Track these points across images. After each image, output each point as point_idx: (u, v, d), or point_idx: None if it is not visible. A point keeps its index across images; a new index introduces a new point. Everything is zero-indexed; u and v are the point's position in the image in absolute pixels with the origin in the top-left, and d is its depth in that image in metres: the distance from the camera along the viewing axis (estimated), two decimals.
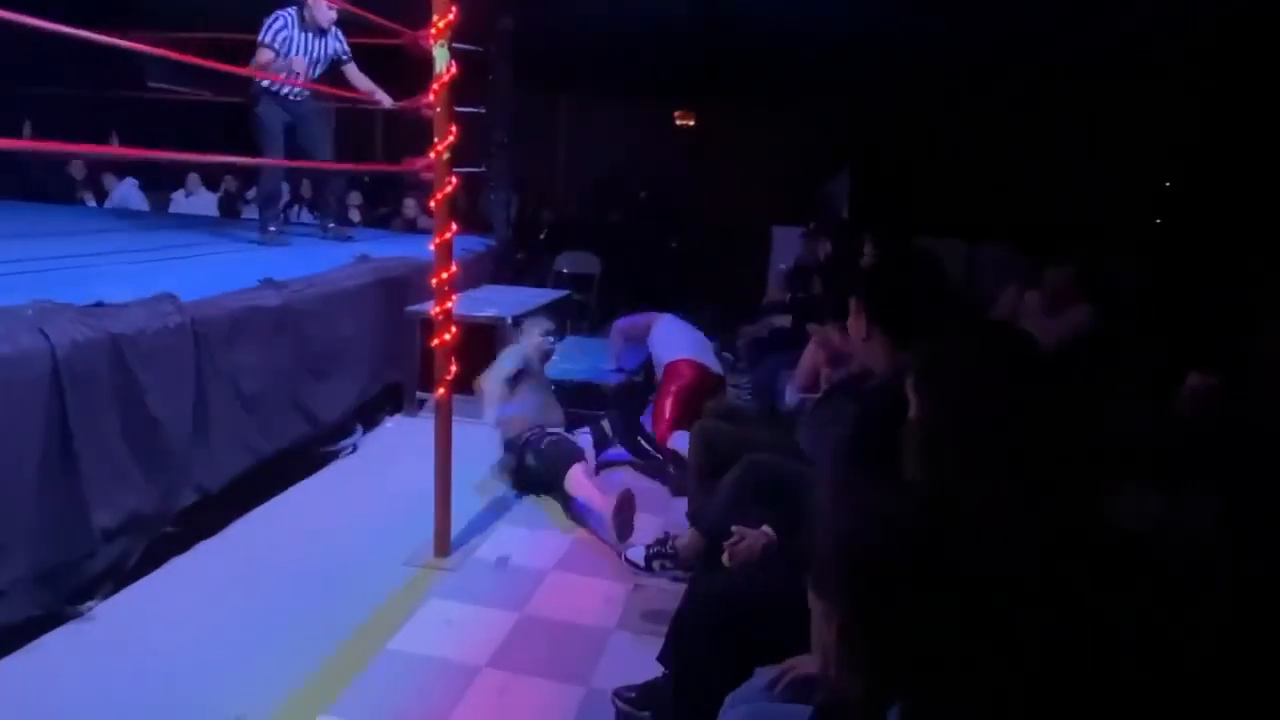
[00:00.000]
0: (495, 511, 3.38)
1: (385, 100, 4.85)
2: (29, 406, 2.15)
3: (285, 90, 4.64)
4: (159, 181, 7.56)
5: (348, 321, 3.75)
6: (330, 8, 4.56)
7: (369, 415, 4.24)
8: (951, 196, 7.16)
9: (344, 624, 2.50)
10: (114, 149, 6.49)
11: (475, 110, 5.32)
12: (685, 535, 2.66)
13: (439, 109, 2.71)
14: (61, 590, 2.34)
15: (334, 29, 4.73)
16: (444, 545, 2.96)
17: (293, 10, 4.62)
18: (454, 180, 2.77)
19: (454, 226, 2.84)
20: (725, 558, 1.94)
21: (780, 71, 7.50)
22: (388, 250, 4.55)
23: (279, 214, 5.26)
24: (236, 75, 4.63)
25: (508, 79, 5.92)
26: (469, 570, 2.89)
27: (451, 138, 2.74)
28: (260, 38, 4.52)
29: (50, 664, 2.23)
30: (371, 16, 3.60)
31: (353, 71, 4.88)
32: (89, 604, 2.45)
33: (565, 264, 6.99)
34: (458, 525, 3.05)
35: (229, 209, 7.64)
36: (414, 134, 4.74)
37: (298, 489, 3.47)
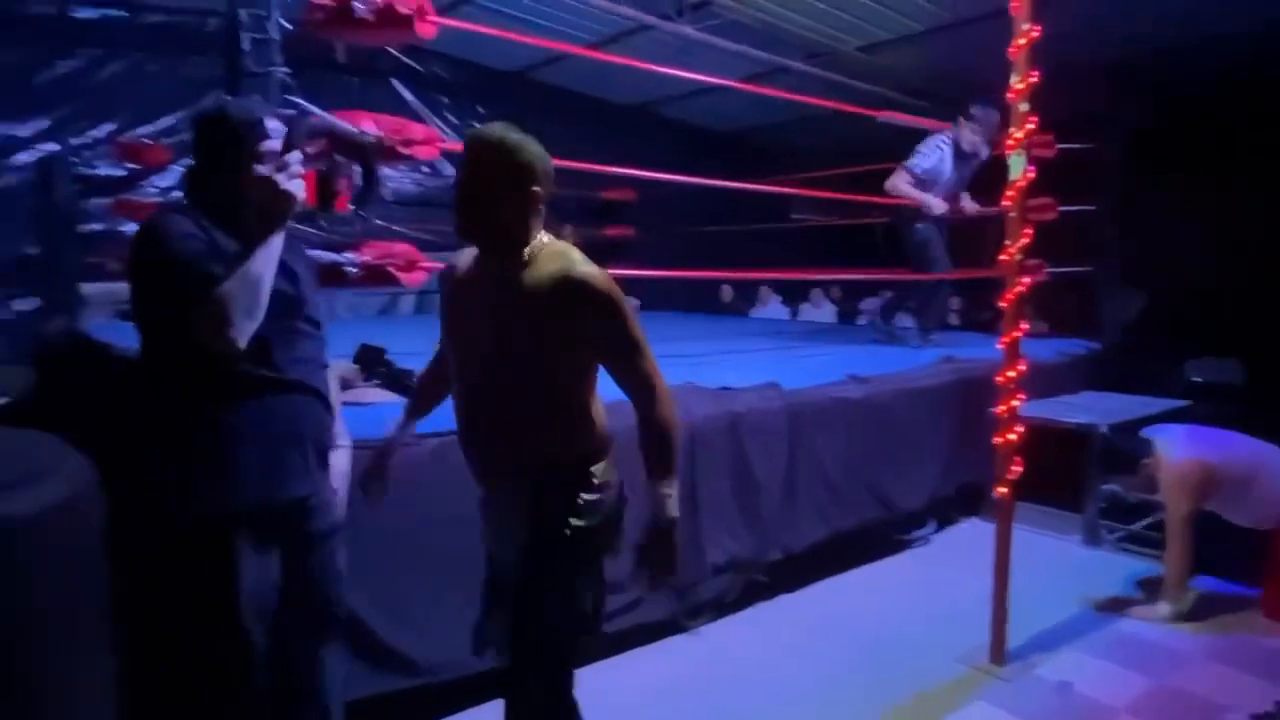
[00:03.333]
0: (1065, 633, 3.13)
1: (971, 208, 4.94)
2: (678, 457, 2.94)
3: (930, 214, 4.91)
4: (799, 295, 9.03)
5: (925, 418, 3.97)
6: (975, 132, 4.76)
7: (944, 512, 4.33)
8: None
9: (891, 701, 2.66)
10: (765, 272, 8.04)
11: (1084, 208, 5.09)
12: None
13: (1013, 214, 2.81)
14: (683, 606, 3.05)
15: (981, 148, 4.87)
16: (999, 652, 2.88)
17: (949, 139, 4.86)
18: (1025, 281, 2.81)
19: (1024, 326, 2.86)
20: None
21: None
22: (976, 352, 4.63)
23: (938, 319, 5.40)
24: (868, 203, 5.21)
25: (1119, 171, 5.51)
26: (1024, 685, 2.75)
27: (1025, 240, 2.80)
28: (909, 163, 4.83)
29: (670, 660, 2.94)
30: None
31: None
32: (698, 622, 3.13)
33: (1198, 371, 5.96)
34: (1020, 636, 2.95)
35: (845, 316, 8.67)
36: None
37: (871, 567, 3.78)
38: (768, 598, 3.37)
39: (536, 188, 1.65)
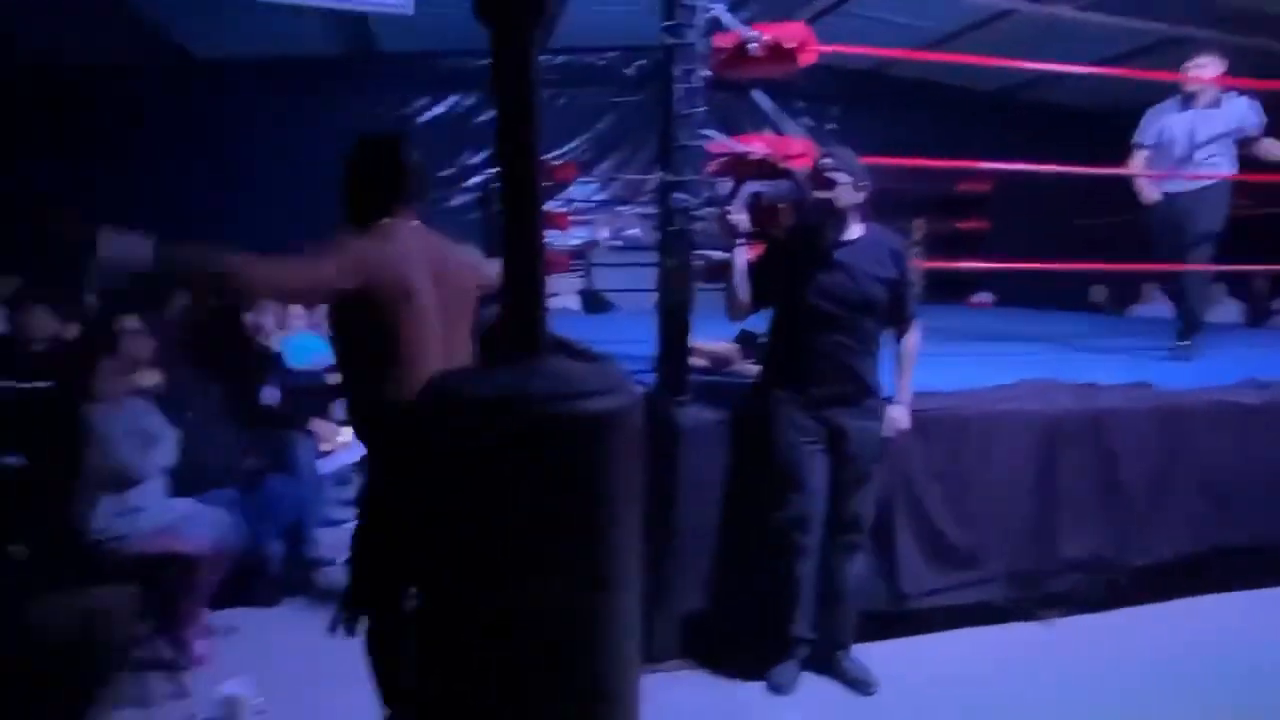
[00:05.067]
0: None
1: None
2: (1031, 447, 3.02)
3: (1170, 187, 4.12)
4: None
5: None
6: (1201, 80, 4.03)
7: None
8: None
9: None
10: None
11: None
12: None
13: None
14: (1029, 593, 3.11)
15: (1234, 100, 4.07)
16: None
17: (1173, 99, 4.23)
18: None
19: None
20: None
21: None
22: None
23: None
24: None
25: None
26: None
27: None
28: (1135, 140, 4.29)
29: (1013, 644, 3.02)
30: None
31: (1266, 146, 4.05)
32: (1050, 614, 3.16)
33: None
34: None
35: (1257, 316, 7.47)
36: None
37: (1266, 592, 3.40)
38: (1130, 603, 3.25)
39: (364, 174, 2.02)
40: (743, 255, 2.68)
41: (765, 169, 2.97)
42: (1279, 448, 3.34)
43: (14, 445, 2.71)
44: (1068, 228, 7.54)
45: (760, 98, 4.05)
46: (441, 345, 1.98)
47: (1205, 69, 4.06)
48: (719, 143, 2.90)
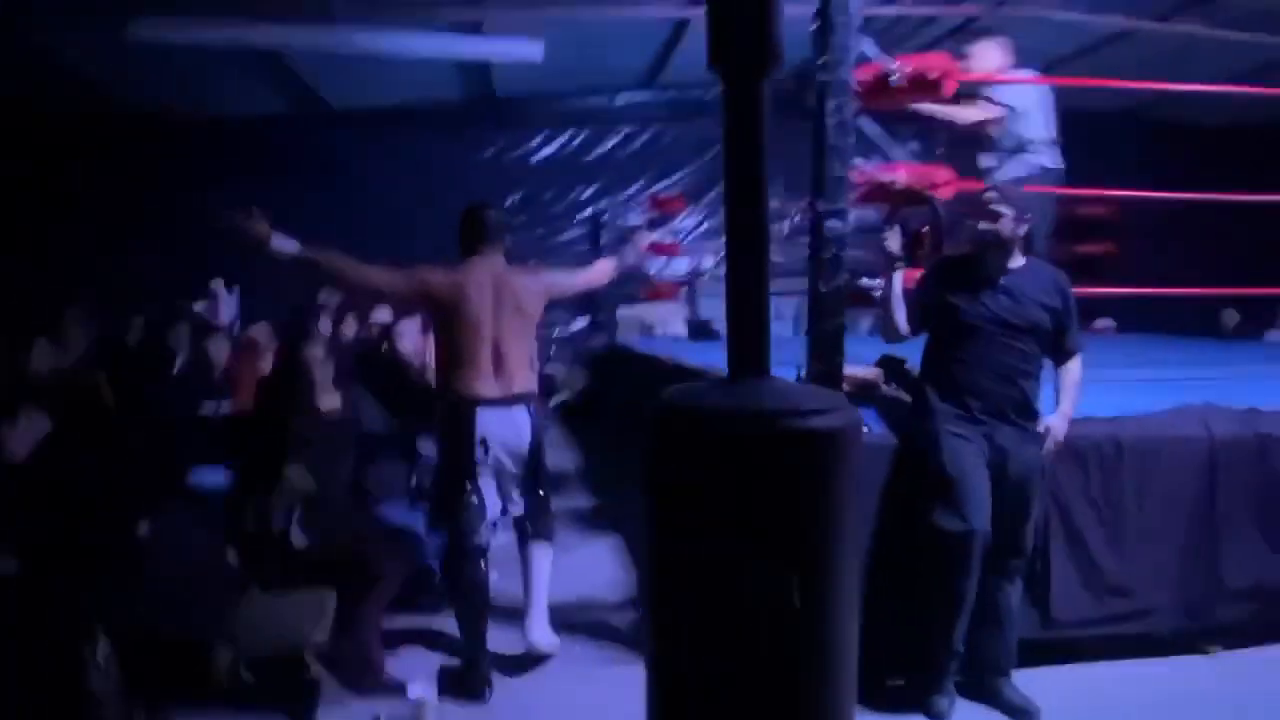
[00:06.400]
0: None
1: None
2: (1190, 473, 2.94)
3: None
4: None
5: None
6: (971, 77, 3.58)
7: None
8: None
9: None
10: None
11: None
12: None
13: None
14: (1191, 625, 3.00)
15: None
16: None
17: None
18: None
19: None
20: None
21: None
22: None
23: None
24: None
25: None
26: None
27: None
28: None
29: (1174, 677, 2.92)
30: None
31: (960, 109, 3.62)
32: (1216, 647, 3.04)
33: None
34: None
35: None
36: None
37: None
38: None
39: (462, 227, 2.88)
40: (899, 280, 2.78)
41: (909, 197, 3.04)
42: None
43: (222, 460, 3.01)
44: (1195, 249, 7.25)
45: (868, 124, 4.02)
46: (493, 352, 2.72)
47: (972, 61, 3.65)
48: (862, 171, 2.98)
